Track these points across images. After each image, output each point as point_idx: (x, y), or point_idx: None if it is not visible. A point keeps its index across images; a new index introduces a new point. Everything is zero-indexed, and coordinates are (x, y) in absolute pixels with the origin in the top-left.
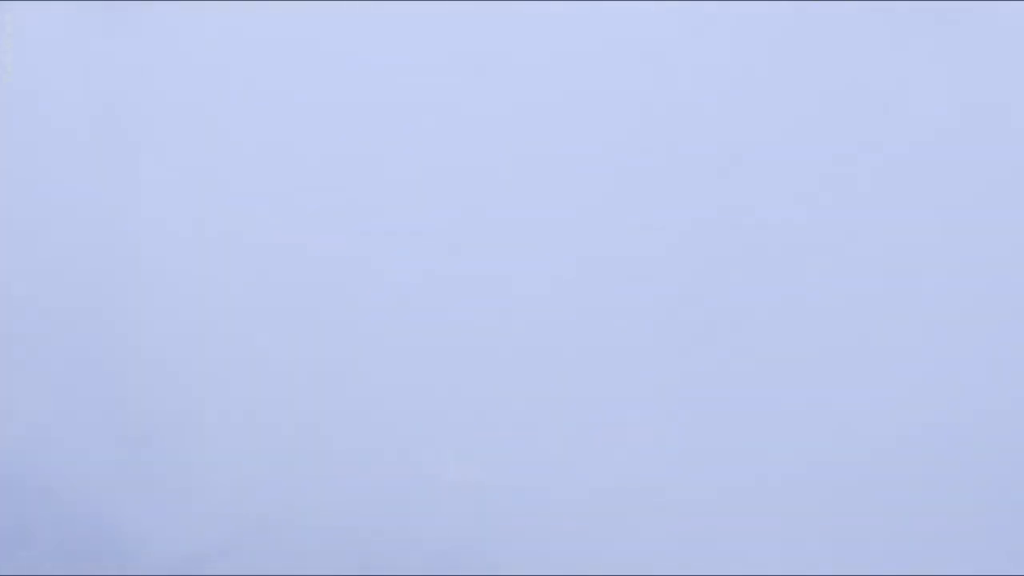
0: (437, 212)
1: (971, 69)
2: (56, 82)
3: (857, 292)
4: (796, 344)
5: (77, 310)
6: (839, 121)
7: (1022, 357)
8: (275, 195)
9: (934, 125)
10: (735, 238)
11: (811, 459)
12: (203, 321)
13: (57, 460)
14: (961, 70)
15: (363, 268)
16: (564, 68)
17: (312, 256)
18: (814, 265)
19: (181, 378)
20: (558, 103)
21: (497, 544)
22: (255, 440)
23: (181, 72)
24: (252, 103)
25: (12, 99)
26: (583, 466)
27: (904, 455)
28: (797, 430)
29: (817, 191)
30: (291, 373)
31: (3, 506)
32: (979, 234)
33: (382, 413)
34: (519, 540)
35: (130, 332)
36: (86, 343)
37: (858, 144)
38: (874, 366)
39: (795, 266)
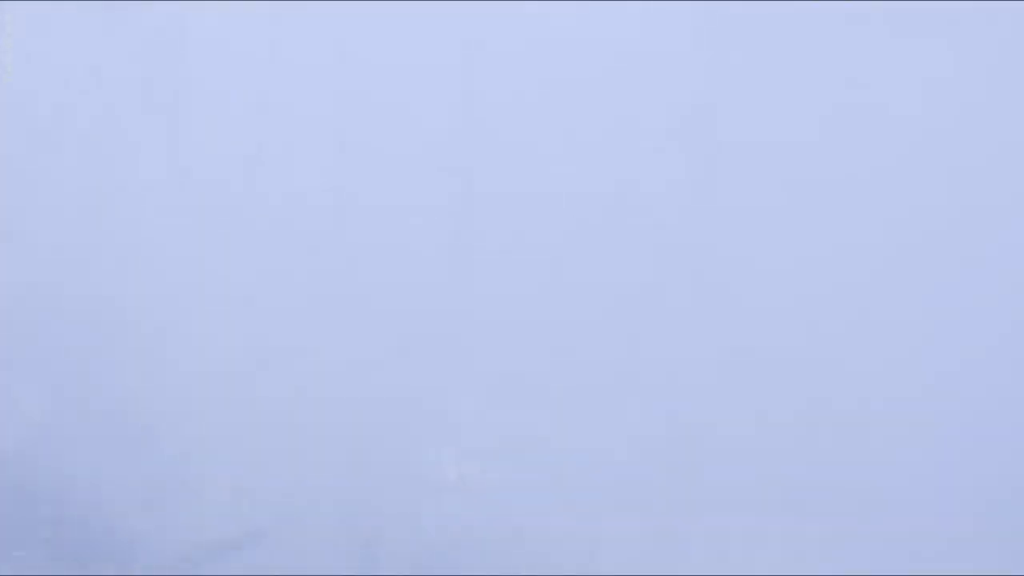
0: (439, 214)
1: (971, 69)
2: (56, 82)
3: (857, 294)
4: (794, 340)
5: (77, 310)
6: (837, 120)
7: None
8: (276, 198)
9: (933, 125)
10: (731, 241)
11: (817, 460)
12: (204, 321)
13: (57, 460)
14: (961, 70)
15: (365, 269)
16: (563, 62)
17: (314, 257)
18: (814, 261)
19: (181, 378)
20: (554, 99)
21: (497, 543)
22: (255, 440)
23: (182, 72)
24: (255, 103)
25: (12, 99)
26: (583, 465)
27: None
28: (804, 426)
29: (816, 189)
30: (291, 373)
31: (3, 506)
32: (979, 215)
33: (382, 412)
34: (519, 540)
35: (130, 332)
36: (86, 343)
37: (856, 143)
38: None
39: (794, 265)
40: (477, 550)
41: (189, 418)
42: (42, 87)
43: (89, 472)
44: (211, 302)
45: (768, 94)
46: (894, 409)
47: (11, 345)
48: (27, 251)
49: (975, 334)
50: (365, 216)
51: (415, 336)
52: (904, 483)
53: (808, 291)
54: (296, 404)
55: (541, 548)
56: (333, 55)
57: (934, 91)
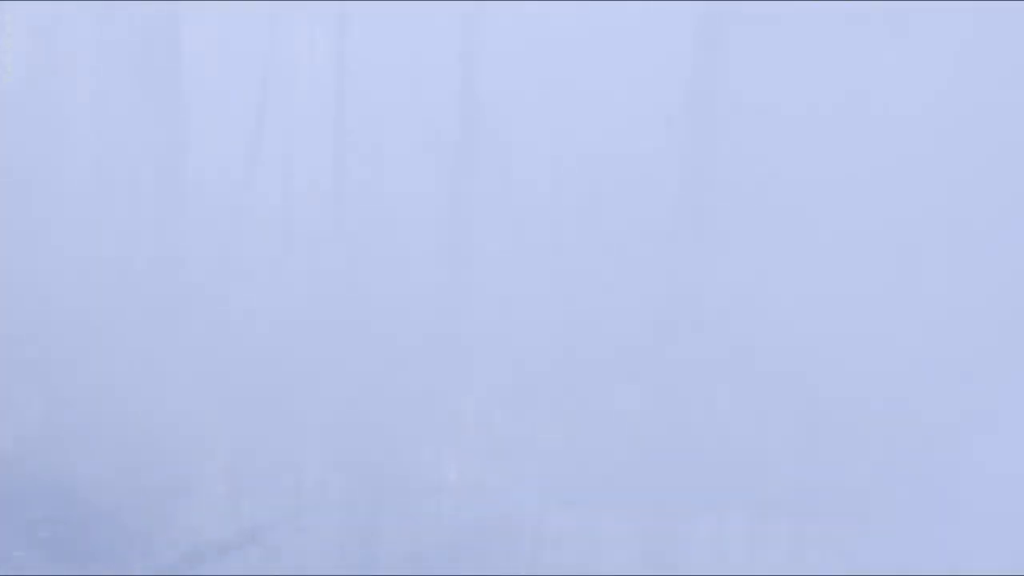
0: (439, 213)
1: (971, 69)
2: (60, 82)
3: (857, 294)
4: (794, 340)
5: (77, 311)
6: (837, 119)
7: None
8: (275, 204)
9: (932, 124)
10: (730, 243)
11: (818, 460)
12: (202, 322)
13: (57, 460)
14: (961, 70)
15: (364, 269)
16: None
17: (312, 257)
18: (813, 260)
19: (181, 379)
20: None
21: (496, 543)
22: (255, 441)
23: (183, 72)
24: (256, 102)
25: (12, 99)
26: (582, 465)
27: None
28: (804, 426)
29: (816, 187)
30: (291, 374)
31: (3, 506)
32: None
33: (383, 413)
34: (519, 540)
35: (130, 333)
36: (85, 344)
37: (855, 141)
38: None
39: (794, 265)
40: (476, 550)
41: (189, 420)
42: (45, 87)
43: (91, 472)
44: (211, 302)
45: (768, 93)
46: (894, 409)
47: (12, 347)
48: (27, 254)
49: (975, 333)
50: (364, 216)
51: (415, 336)
52: (904, 483)
53: (808, 291)
54: (296, 404)
55: (540, 547)
56: (340, 56)
57: (934, 91)
